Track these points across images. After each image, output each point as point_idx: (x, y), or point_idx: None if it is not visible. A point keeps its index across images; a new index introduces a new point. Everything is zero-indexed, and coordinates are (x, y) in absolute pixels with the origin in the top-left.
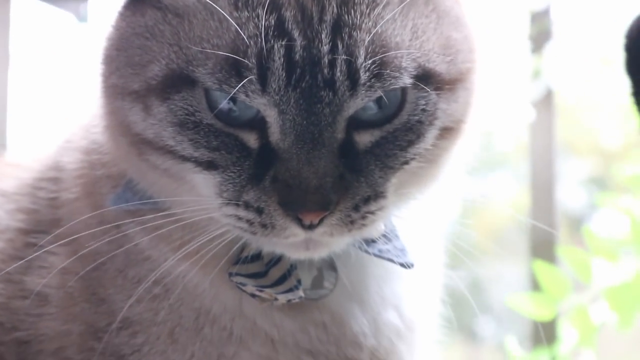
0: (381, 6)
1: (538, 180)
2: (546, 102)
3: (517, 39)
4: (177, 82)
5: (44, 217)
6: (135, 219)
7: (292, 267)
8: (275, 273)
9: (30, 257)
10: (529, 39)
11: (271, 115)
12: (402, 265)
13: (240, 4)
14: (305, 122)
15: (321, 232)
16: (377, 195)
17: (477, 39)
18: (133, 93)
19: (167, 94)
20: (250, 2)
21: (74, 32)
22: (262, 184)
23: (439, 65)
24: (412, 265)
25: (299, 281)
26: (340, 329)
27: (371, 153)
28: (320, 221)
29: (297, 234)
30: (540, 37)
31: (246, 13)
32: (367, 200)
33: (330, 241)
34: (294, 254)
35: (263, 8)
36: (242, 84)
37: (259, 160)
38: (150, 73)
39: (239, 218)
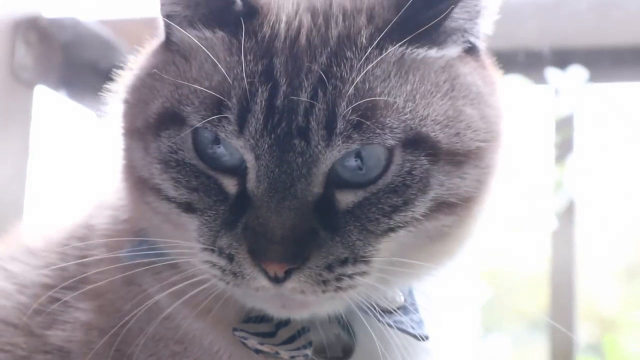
0: (373, 63)
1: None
2: (568, 213)
3: (541, 148)
4: (168, 120)
5: (71, 275)
6: (154, 276)
7: (304, 329)
8: (284, 333)
9: (55, 311)
10: (553, 148)
11: (249, 160)
12: (416, 337)
13: (233, 50)
14: (277, 170)
15: (290, 287)
16: (356, 258)
17: (502, 123)
18: (136, 131)
19: (159, 131)
20: (241, 48)
21: (93, 129)
22: (234, 230)
23: (436, 134)
24: (427, 337)
25: (309, 343)
26: None
27: (351, 214)
28: (288, 276)
29: (266, 286)
30: (563, 147)
31: (236, 58)
32: (344, 262)
33: (306, 301)
34: (272, 311)
35: (254, 54)
36: (222, 123)
37: (235, 207)
38: (149, 111)
39: (213, 264)
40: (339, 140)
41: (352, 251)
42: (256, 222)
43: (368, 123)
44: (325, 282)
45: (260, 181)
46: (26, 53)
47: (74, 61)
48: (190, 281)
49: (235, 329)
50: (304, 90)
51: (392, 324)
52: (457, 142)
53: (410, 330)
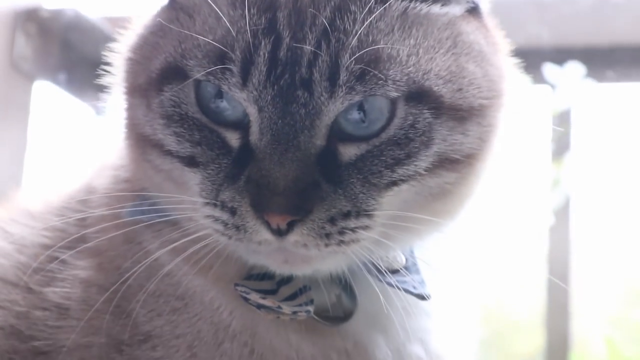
0: (377, 16)
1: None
2: (564, 210)
3: (538, 145)
4: (171, 74)
5: (70, 235)
6: (154, 233)
7: (306, 288)
8: (286, 291)
9: (53, 269)
10: (551, 144)
11: (252, 113)
12: (418, 296)
13: (237, 3)
14: (280, 121)
15: (293, 241)
16: (358, 212)
17: (505, 83)
18: (139, 88)
19: (161, 86)
20: (246, 1)
21: (90, 124)
22: (237, 183)
23: (439, 88)
24: (429, 296)
25: (311, 301)
26: (364, 356)
27: (354, 166)
28: (291, 228)
29: (269, 240)
30: (560, 146)
31: (240, 11)
32: (346, 215)
33: (309, 255)
34: (274, 266)
35: (257, 7)
36: (225, 76)
37: (238, 160)
38: (152, 67)
39: (216, 219)
40: (342, 91)
41: (355, 204)
42: (259, 174)
43: (371, 74)
44: (328, 236)
45: (263, 133)
46: (26, 44)
47: (73, 55)
48: (191, 237)
49: (237, 285)
50: (307, 42)
51: (394, 283)
52: (460, 98)
53: (413, 290)
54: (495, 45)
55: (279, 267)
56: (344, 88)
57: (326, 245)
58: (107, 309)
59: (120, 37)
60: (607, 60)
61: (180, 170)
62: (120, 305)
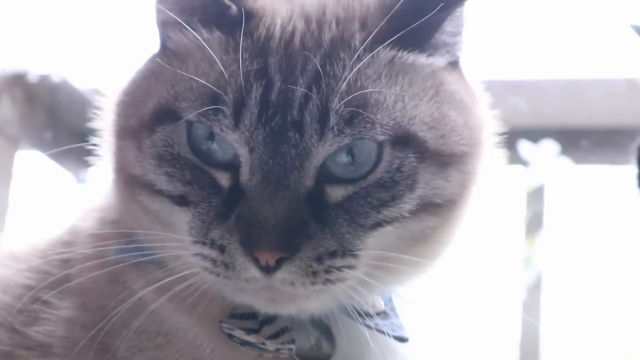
0: (365, 63)
1: None
2: (536, 288)
3: (512, 223)
4: (163, 116)
5: (54, 276)
6: (139, 273)
7: (287, 328)
8: (268, 330)
9: (36, 309)
10: (524, 222)
11: (243, 154)
12: (397, 338)
13: (230, 48)
14: (271, 161)
15: (280, 278)
16: (344, 251)
17: (484, 133)
18: (130, 131)
19: (154, 127)
20: (238, 47)
21: (71, 192)
22: (227, 222)
23: (424, 133)
24: (407, 339)
25: (292, 340)
26: None
27: (341, 207)
28: (279, 266)
29: (256, 277)
30: (533, 223)
31: (232, 56)
32: (333, 254)
33: (295, 294)
34: (260, 305)
35: (249, 52)
36: (217, 117)
37: (228, 200)
38: (144, 109)
39: (204, 257)
40: (331, 134)
41: (341, 244)
42: (249, 213)
43: (360, 117)
44: (314, 274)
45: (253, 173)
46: (11, 108)
47: (58, 122)
48: (177, 276)
49: (221, 322)
50: (299, 86)
51: (373, 326)
52: (443, 144)
53: (392, 332)
54: (474, 96)
55: (265, 306)
56: (333, 131)
57: (312, 283)
58: (91, 346)
59: (111, 83)
60: (580, 140)
61: (169, 209)
62: (103, 342)
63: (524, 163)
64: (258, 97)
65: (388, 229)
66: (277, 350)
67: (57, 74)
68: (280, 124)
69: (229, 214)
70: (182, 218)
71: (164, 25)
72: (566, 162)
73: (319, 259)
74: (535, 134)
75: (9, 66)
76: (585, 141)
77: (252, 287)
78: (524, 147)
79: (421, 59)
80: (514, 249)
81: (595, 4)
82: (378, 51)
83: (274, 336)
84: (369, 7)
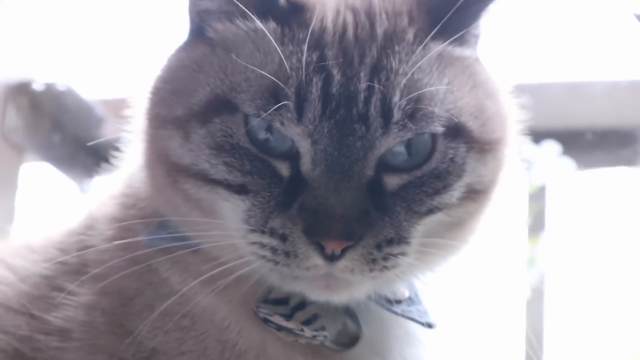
0: (419, 57)
1: None
2: (539, 288)
3: (515, 225)
4: (219, 106)
5: (71, 264)
6: (167, 256)
7: (317, 316)
8: (300, 316)
9: (55, 296)
10: (526, 224)
11: (304, 146)
12: (424, 324)
13: (286, 40)
14: (336, 152)
15: (342, 266)
16: (400, 239)
17: (509, 119)
18: (175, 120)
19: (208, 118)
20: (295, 38)
21: (74, 201)
22: (289, 211)
23: (470, 123)
24: (434, 325)
25: (323, 327)
26: None
27: (398, 195)
28: (342, 254)
29: (318, 265)
30: (535, 224)
31: (291, 47)
32: (390, 241)
33: (351, 281)
34: (314, 293)
35: (306, 45)
36: (279, 112)
37: (289, 189)
38: (194, 100)
39: (263, 245)
40: (395, 129)
41: (398, 231)
42: (314, 202)
43: (421, 112)
44: (374, 261)
45: (316, 164)
46: (17, 116)
47: (63, 131)
48: (222, 268)
49: (258, 307)
50: (359, 80)
51: (400, 312)
52: (484, 132)
53: (418, 319)
54: (499, 85)
55: (319, 293)
56: (397, 126)
57: (370, 270)
58: (110, 330)
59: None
60: (582, 142)
61: (224, 198)
62: (123, 325)
63: (526, 164)
64: (319, 91)
65: (438, 215)
66: (313, 337)
67: (62, 83)
68: (345, 117)
69: (290, 203)
70: (236, 207)
71: (205, 14)
72: (568, 162)
73: (379, 247)
74: (537, 135)
75: (14, 75)
76: (587, 142)
77: (310, 274)
78: (526, 148)
79: (462, 51)
80: (517, 250)
81: (596, 6)
82: (429, 45)
83: (306, 322)
84: (409, 0)
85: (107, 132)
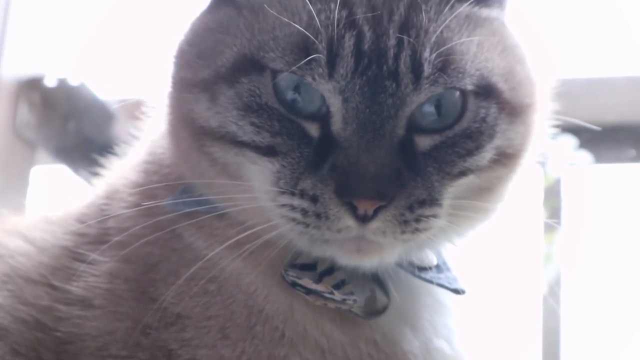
0: (448, 15)
1: None
2: (556, 284)
3: (530, 221)
4: (247, 66)
5: (91, 234)
6: (192, 221)
7: (345, 281)
8: (329, 281)
9: (75, 266)
10: (542, 218)
11: (335, 104)
12: (454, 291)
13: None
14: (368, 110)
15: (374, 227)
16: (432, 200)
17: (538, 85)
18: (201, 82)
19: (236, 78)
20: None
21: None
22: (319, 172)
23: (501, 85)
24: (464, 291)
25: (351, 292)
26: (392, 347)
27: (430, 156)
28: (375, 214)
29: (350, 226)
30: (550, 219)
31: (319, 5)
32: (422, 203)
33: (383, 244)
34: (345, 256)
35: (335, 2)
36: (310, 66)
37: (319, 149)
38: (220, 61)
39: (293, 207)
40: (426, 84)
41: (430, 193)
42: (346, 162)
43: (451, 67)
44: (405, 223)
45: (347, 122)
46: (29, 112)
47: (74, 128)
48: (248, 232)
49: (286, 270)
50: (388, 37)
51: (430, 279)
52: (515, 95)
53: (448, 285)
54: (527, 50)
55: (349, 257)
56: (427, 80)
57: (402, 232)
58: (133, 297)
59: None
60: (599, 138)
61: (252, 160)
62: (146, 291)
63: (542, 157)
64: (351, 47)
65: (470, 177)
66: (343, 300)
67: (74, 78)
68: (376, 73)
69: (320, 163)
70: (264, 169)
71: None
72: (585, 156)
73: (411, 208)
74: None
75: (26, 70)
76: (604, 137)
77: (340, 237)
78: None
79: (489, 12)
80: (532, 245)
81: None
82: (455, 5)
83: (335, 287)
84: None
85: (119, 131)
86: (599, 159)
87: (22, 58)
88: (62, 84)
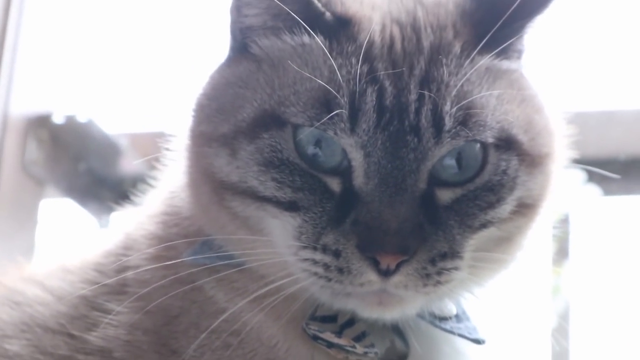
0: (469, 69)
1: None
2: (565, 316)
3: (539, 252)
4: (268, 121)
5: (110, 284)
6: (213, 274)
7: (366, 333)
8: (349, 333)
9: (94, 315)
10: (551, 252)
11: (356, 159)
12: (474, 341)
13: (334, 53)
14: (390, 165)
15: (396, 281)
16: (453, 253)
17: (556, 134)
18: (221, 137)
19: (256, 133)
20: (344, 51)
21: (92, 236)
22: (342, 227)
23: (521, 136)
24: (484, 341)
25: (372, 344)
26: None
27: (451, 209)
28: (397, 269)
29: (372, 281)
30: (559, 253)
31: (340, 60)
32: (443, 256)
33: (404, 297)
34: (367, 309)
35: (356, 58)
36: (332, 121)
37: (341, 204)
38: (240, 116)
39: (315, 262)
40: (447, 137)
41: (451, 246)
42: (368, 217)
43: (472, 120)
44: (427, 276)
45: (369, 177)
46: (37, 149)
47: (82, 165)
48: (270, 287)
49: (307, 324)
50: (409, 92)
51: (450, 329)
52: (534, 146)
53: (468, 335)
54: (544, 100)
55: (371, 310)
56: (449, 134)
57: (424, 285)
58: (153, 349)
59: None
60: (609, 170)
61: (273, 215)
62: (167, 344)
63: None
64: (374, 102)
65: (491, 230)
66: (365, 354)
67: (82, 115)
68: (398, 128)
69: (343, 218)
70: (286, 224)
71: (249, 30)
72: (593, 190)
73: (433, 261)
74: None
75: (34, 108)
76: (614, 170)
77: (362, 291)
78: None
79: (509, 64)
80: (541, 277)
81: (624, 33)
82: (476, 58)
83: (356, 339)
84: (452, 14)
85: (128, 166)
86: (608, 191)
87: (30, 95)
88: (70, 121)
